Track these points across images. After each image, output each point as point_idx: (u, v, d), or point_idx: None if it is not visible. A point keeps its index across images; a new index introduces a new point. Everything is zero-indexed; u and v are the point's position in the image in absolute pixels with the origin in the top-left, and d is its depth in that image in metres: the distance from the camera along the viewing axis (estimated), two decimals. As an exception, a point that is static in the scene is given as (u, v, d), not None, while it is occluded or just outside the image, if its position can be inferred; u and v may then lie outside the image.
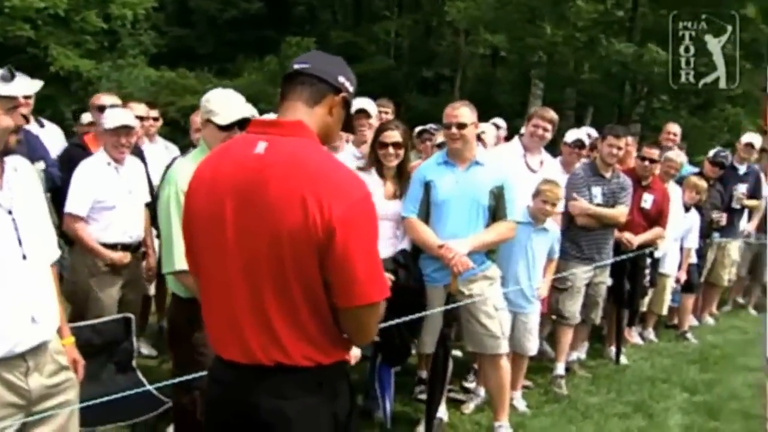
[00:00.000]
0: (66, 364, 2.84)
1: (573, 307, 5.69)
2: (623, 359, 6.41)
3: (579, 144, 5.96)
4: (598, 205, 5.64)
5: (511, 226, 4.56)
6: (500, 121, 7.28)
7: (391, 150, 4.61)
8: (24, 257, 2.58)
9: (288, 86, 2.19)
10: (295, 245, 1.97)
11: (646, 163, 6.16)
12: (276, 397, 2.06)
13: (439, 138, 5.66)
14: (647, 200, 6.14)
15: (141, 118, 5.56)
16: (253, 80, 20.68)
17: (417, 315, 4.34)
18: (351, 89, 2.24)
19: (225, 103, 3.49)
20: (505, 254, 4.83)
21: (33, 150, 4.84)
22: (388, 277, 4.50)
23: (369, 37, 23.90)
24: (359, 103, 5.49)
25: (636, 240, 6.01)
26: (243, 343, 2.07)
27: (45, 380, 2.70)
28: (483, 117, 7.35)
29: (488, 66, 24.52)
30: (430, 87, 24.22)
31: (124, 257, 4.61)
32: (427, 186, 4.56)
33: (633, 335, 7.12)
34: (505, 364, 4.63)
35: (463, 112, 4.48)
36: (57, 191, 4.74)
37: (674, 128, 7.90)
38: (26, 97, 5.10)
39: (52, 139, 5.64)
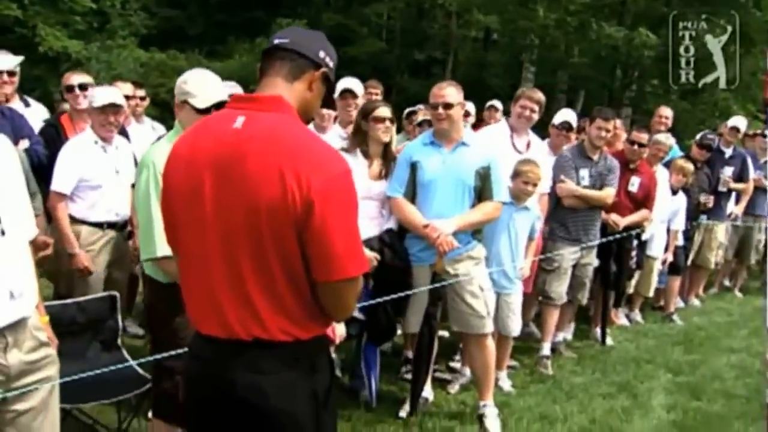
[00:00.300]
0: (45, 340, 2.82)
1: (559, 288, 5.72)
2: (609, 340, 6.46)
3: (566, 126, 5.96)
4: (586, 187, 5.65)
5: (497, 206, 4.57)
6: (497, 103, 7.19)
7: (388, 124, 4.63)
8: (2, 233, 2.56)
9: (267, 62, 2.17)
10: (273, 219, 1.96)
11: (635, 147, 6.17)
12: (253, 372, 2.06)
13: (420, 116, 5.66)
14: (634, 183, 6.15)
15: (127, 98, 5.52)
16: (243, 62, 20.58)
17: (402, 294, 4.36)
18: (331, 65, 2.23)
19: (203, 85, 3.38)
20: (487, 234, 4.83)
21: (18, 128, 4.81)
22: (374, 256, 4.52)
23: (360, 20, 23.76)
24: (345, 83, 5.50)
25: (622, 222, 6.03)
26: (221, 318, 2.07)
27: (24, 356, 2.68)
28: (475, 100, 7.36)
29: (480, 49, 24.46)
30: (421, 70, 24.10)
31: (86, 263, 4.55)
32: (414, 166, 4.56)
33: (619, 317, 7.17)
34: (491, 343, 4.65)
35: (450, 92, 4.47)
36: (42, 168, 4.70)
37: (666, 111, 7.90)
38: (10, 75, 5.20)
39: (38, 118, 5.58)
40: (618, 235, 6.02)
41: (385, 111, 4.66)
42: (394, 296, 4.31)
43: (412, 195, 4.58)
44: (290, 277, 2.03)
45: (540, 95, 5.39)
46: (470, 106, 7.02)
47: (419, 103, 6.85)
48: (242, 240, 2.01)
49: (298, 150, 1.98)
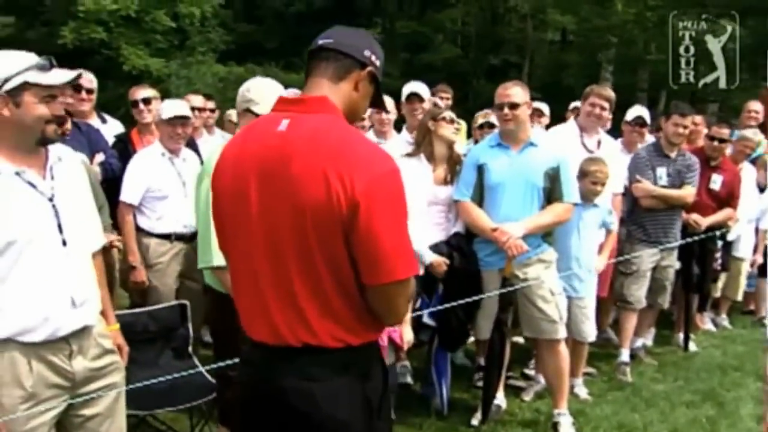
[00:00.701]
0: (110, 347, 2.89)
1: (638, 292, 5.50)
2: (693, 346, 6.16)
3: (640, 122, 5.75)
4: (663, 186, 5.42)
5: (567, 207, 4.43)
6: (544, 107, 6.93)
7: (456, 125, 4.65)
8: (64, 243, 2.63)
9: (312, 63, 2.14)
10: (318, 221, 1.93)
11: (715, 143, 5.89)
12: (304, 378, 2.02)
13: (480, 119, 5.56)
14: (716, 181, 5.87)
15: (198, 110, 5.63)
16: (319, 73, 20.84)
17: (471, 299, 4.27)
18: (378, 63, 2.18)
19: (265, 93, 3.44)
20: (557, 236, 4.69)
21: (94, 143, 4.97)
22: (443, 260, 4.46)
23: (435, 26, 23.80)
24: (412, 87, 5.46)
25: (704, 222, 5.75)
26: (271, 324, 2.04)
27: (89, 363, 2.76)
28: (553, 102, 7.15)
29: (557, 51, 24.09)
30: (498, 74, 23.87)
31: (142, 278, 4.64)
32: (480, 169, 4.47)
33: (705, 321, 6.85)
34: (563, 349, 4.51)
35: (515, 91, 4.37)
36: (116, 181, 4.83)
37: (756, 106, 7.49)
38: (88, 92, 5.37)
39: (114, 133, 5.76)
40: (700, 236, 5.75)
41: (452, 114, 4.64)
42: (461, 301, 4.21)
43: (479, 198, 4.49)
44: (338, 280, 1.99)
45: (610, 93, 5.21)
46: (544, 107, 6.87)
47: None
48: (288, 243, 1.98)
49: (341, 150, 1.94)
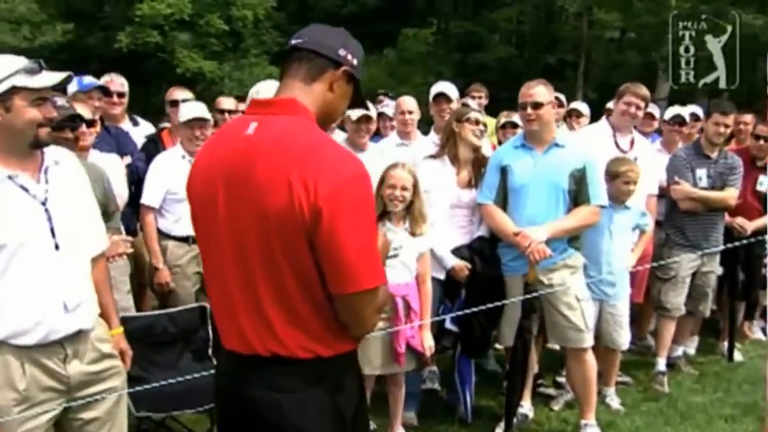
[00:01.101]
0: (109, 352, 2.87)
1: (676, 299, 5.26)
2: (738, 356, 5.87)
3: (679, 120, 5.51)
4: (704, 188, 5.18)
5: (594, 210, 4.26)
6: (656, 110, 6.58)
7: (482, 127, 4.51)
8: (57, 247, 2.62)
9: (286, 64, 2.08)
10: (282, 228, 1.86)
11: (761, 141, 5.60)
12: (273, 390, 1.96)
13: (503, 119, 5.41)
14: (763, 183, 5.58)
15: (229, 112, 5.62)
16: (372, 73, 20.82)
17: (494, 304, 4.14)
18: (355, 62, 2.09)
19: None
20: (586, 240, 4.52)
21: (123, 145, 5.02)
22: (465, 265, 4.35)
23: (489, 26, 23.54)
24: (439, 87, 5.35)
25: (750, 226, 5.47)
26: (241, 333, 1.99)
27: (85, 367, 2.75)
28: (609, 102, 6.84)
29: (614, 50, 23.55)
30: (553, 73, 23.48)
31: (166, 279, 4.63)
32: (504, 171, 4.34)
33: (753, 330, 6.52)
34: (590, 358, 4.34)
35: (539, 90, 4.23)
36: (141, 183, 4.87)
37: None
38: (120, 96, 5.43)
39: (146, 135, 5.82)
40: (745, 241, 5.47)
41: (478, 115, 4.51)
42: (482, 307, 4.08)
43: (503, 201, 4.36)
44: (305, 290, 1.92)
45: (646, 91, 5.00)
46: (584, 107, 6.66)
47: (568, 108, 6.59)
48: (253, 250, 1.92)
49: (305, 154, 1.87)
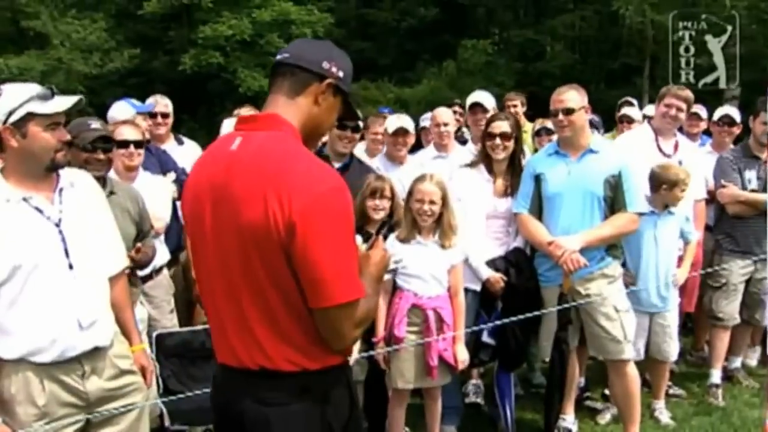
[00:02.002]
0: (129, 368, 2.92)
1: (728, 308, 5.04)
2: (804, 367, 5.57)
3: (727, 120, 5.31)
4: (753, 190, 4.95)
5: (631, 218, 4.13)
6: (701, 110, 6.19)
7: (498, 141, 4.35)
8: (71, 267, 2.68)
9: (271, 79, 2.08)
10: (259, 243, 1.86)
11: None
12: (259, 403, 1.96)
13: (537, 125, 5.29)
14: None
15: None
16: (432, 86, 20.89)
17: (525, 316, 4.04)
18: (341, 74, 2.07)
19: None
20: (631, 250, 4.42)
21: (163, 163, 5.14)
22: (500, 277, 4.27)
23: (550, 33, 23.24)
24: (475, 96, 5.30)
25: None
26: (230, 347, 2.01)
27: (104, 383, 2.80)
28: None
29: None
30: (618, 79, 23.04)
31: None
32: (538, 179, 4.26)
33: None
34: (631, 370, 4.19)
35: (570, 96, 4.13)
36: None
37: None
38: (164, 117, 5.57)
39: (193, 154, 5.93)
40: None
41: (499, 126, 4.38)
42: (514, 318, 4.00)
43: (538, 210, 4.27)
44: (288, 303, 1.92)
45: (687, 93, 4.81)
46: (634, 112, 6.47)
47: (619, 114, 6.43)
48: (236, 265, 1.93)
49: (281, 168, 1.87)
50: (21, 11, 18.51)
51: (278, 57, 2.08)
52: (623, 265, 4.51)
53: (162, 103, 5.60)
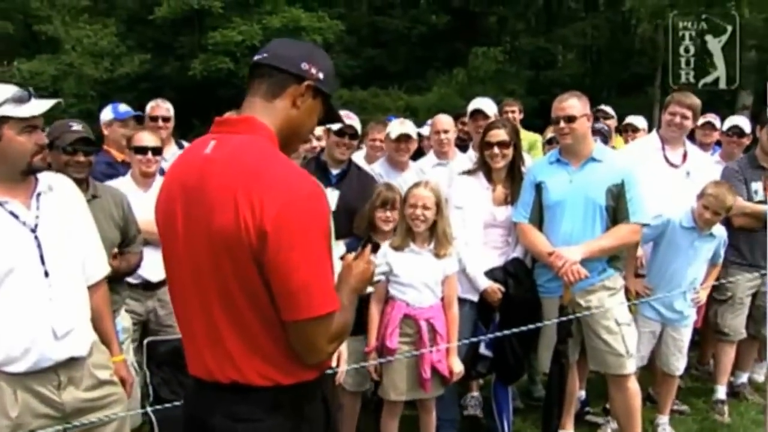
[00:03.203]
0: (108, 379, 2.84)
1: (734, 321, 4.92)
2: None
3: (737, 131, 5.19)
4: (759, 202, 4.83)
5: (633, 228, 4.03)
6: (715, 119, 5.91)
7: (496, 150, 4.26)
8: (46, 274, 2.60)
9: (249, 81, 2.00)
10: (230, 250, 1.78)
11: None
12: (230, 418, 1.88)
13: (549, 133, 5.20)
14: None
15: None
16: (442, 93, 20.78)
17: (523, 328, 3.94)
18: (320, 76, 1.99)
19: None
20: (662, 260, 4.39)
21: (162, 170, 5.07)
22: (498, 287, 4.18)
23: (561, 41, 23.14)
24: (476, 103, 5.20)
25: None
26: (201, 359, 1.93)
27: (82, 394, 2.72)
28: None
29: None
30: (630, 88, 22.90)
31: None
32: (539, 187, 4.16)
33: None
34: (633, 385, 4.09)
35: (572, 103, 4.03)
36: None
37: None
38: (165, 120, 5.51)
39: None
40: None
41: (497, 134, 4.26)
42: (516, 330, 3.90)
43: (539, 219, 4.18)
44: (261, 315, 1.83)
45: (693, 100, 4.70)
46: (639, 121, 6.36)
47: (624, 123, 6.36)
48: (207, 273, 1.85)
49: (253, 173, 1.79)
50: (34, 16, 18.60)
51: (256, 57, 2.00)
52: (640, 276, 4.48)
53: (163, 107, 5.54)
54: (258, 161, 1.82)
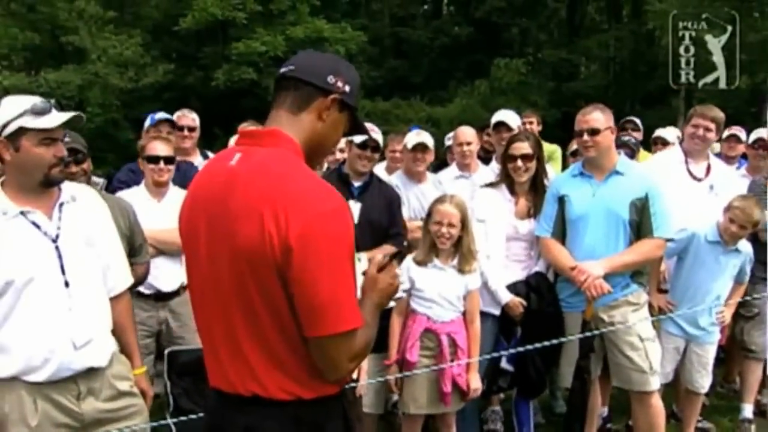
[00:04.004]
0: (128, 390, 2.83)
1: (760, 339, 4.83)
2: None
3: (763, 144, 5.14)
4: (786, 216, 4.76)
5: (657, 243, 3.98)
6: (740, 131, 5.92)
7: (519, 163, 4.24)
8: (66, 284, 2.61)
9: (275, 93, 2.00)
10: (254, 263, 1.78)
11: None
12: (250, 431, 1.87)
13: (574, 145, 5.15)
14: None
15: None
16: (464, 105, 20.74)
17: (545, 344, 3.91)
18: (347, 89, 1.98)
19: None
20: (684, 275, 4.33)
21: (189, 179, 5.08)
22: (519, 302, 4.14)
23: (584, 53, 23.03)
24: (499, 115, 5.18)
25: None
26: (223, 372, 1.92)
27: (101, 405, 2.72)
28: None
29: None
30: (654, 100, 22.72)
31: None
32: (562, 200, 4.13)
33: None
34: (656, 402, 4.03)
35: (596, 116, 4.00)
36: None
37: None
38: (190, 130, 5.54)
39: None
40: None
41: (521, 147, 4.25)
42: (538, 345, 3.87)
43: (561, 233, 4.14)
44: (282, 330, 1.82)
45: (716, 113, 4.64)
46: (669, 134, 6.27)
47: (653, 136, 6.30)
48: (230, 287, 1.85)
49: (279, 187, 1.79)
50: (61, 26, 18.80)
51: (282, 70, 1.99)
52: (663, 291, 4.43)
53: (189, 117, 5.58)
54: (284, 175, 1.82)
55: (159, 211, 4.11)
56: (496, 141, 5.11)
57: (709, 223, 4.37)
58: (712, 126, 4.59)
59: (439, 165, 5.41)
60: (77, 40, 18.25)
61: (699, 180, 4.62)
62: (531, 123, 5.83)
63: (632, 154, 5.06)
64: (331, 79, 1.96)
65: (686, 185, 4.52)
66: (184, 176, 5.02)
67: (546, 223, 4.17)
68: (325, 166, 4.97)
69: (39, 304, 2.57)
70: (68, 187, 2.76)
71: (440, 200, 3.93)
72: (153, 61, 18.70)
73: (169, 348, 4.16)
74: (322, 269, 1.75)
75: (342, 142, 5.08)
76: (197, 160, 5.57)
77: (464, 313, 3.90)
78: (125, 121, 17.63)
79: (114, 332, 2.84)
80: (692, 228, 4.36)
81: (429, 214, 3.90)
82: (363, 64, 21.29)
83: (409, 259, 3.84)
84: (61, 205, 2.69)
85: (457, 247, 3.87)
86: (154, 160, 4.19)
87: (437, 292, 3.81)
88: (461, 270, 3.85)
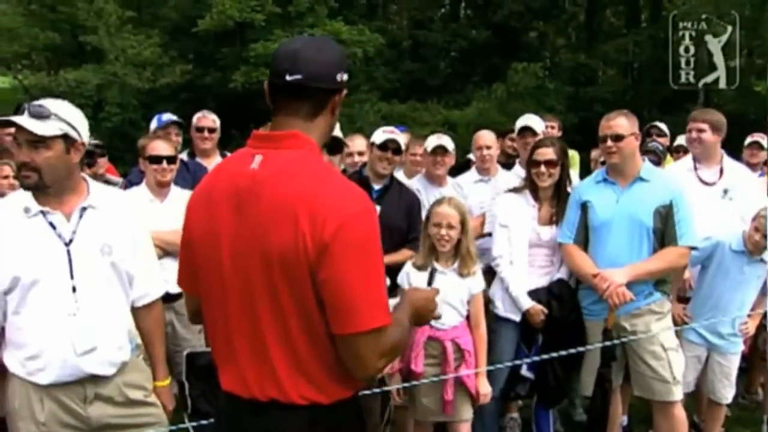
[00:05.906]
0: (141, 399, 2.82)
1: (784, 350, 4.78)
2: None
3: (757, 146, 5.05)
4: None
5: (682, 252, 3.92)
6: (763, 140, 5.80)
7: (543, 168, 4.19)
8: (74, 289, 2.59)
9: (281, 99, 1.94)
10: (286, 266, 1.78)
11: None
12: None
13: (595, 152, 5.11)
14: None
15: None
16: (481, 109, 20.65)
17: (567, 352, 3.87)
18: (347, 76, 1.99)
19: None
20: (707, 283, 4.29)
21: (198, 180, 5.08)
22: (541, 309, 4.10)
23: (602, 57, 22.88)
24: (524, 120, 5.15)
25: None
26: (240, 375, 1.92)
27: (109, 410, 2.71)
28: (736, 135, 5.98)
29: (745, 77, 22.30)
30: (672, 104, 22.55)
31: None
32: (584, 207, 4.09)
33: None
34: (679, 413, 3.97)
35: (620, 122, 3.96)
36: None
37: None
38: (210, 131, 5.54)
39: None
40: None
41: (545, 153, 4.21)
42: (555, 354, 3.83)
43: (584, 240, 4.10)
44: (310, 333, 1.83)
45: (711, 115, 4.61)
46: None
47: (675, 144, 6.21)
48: (259, 290, 1.84)
49: (311, 189, 1.80)
50: (80, 26, 18.89)
51: (288, 78, 1.89)
52: (685, 299, 4.38)
53: (209, 118, 5.58)
54: (314, 177, 1.83)
55: (162, 212, 4.10)
56: (521, 146, 5.08)
57: (734, 233, 4.30)
58: (705, 126, 4.55)
59: (459, 169, 5.36)
60: (96, 40, 18.33)
61: (710, 185, 4.56)
62: (552, 128, 5.78)
63: (658, 161, 5.00)
64: (339, 76, 1.96)
65: (696, 191, 4.45)
66: (193, 177, 5.03)
67: (568, 229, 4.13)
68: (342, 169, 4.94)
69: (43, 306, 2.55)
70: (96, 191, 2.74)
71: (438, 202, 3.87)
72: (171, 61, 18.74)
73: (187, 350, 4.16)
74: (355, 267, 1.77)
75: (362, 145, 5.08)
76: (216, 161, 5.57)
77: (468, 318, 3.83)
78: (143, 121, 17.63)
79: (142, 341, 2.82)
80: (716, 236, 4.30)
81: (428, 217, 3.86)
82: (380, 66, 21.28)
83: (408, 264, 3.81)
84: (84, 209, 2.67)
85: (456, 250, 3.81)
86: (157, 160, 4.17)
87: (439, 296, 3.76)
88: (461, 273, 3.79)
